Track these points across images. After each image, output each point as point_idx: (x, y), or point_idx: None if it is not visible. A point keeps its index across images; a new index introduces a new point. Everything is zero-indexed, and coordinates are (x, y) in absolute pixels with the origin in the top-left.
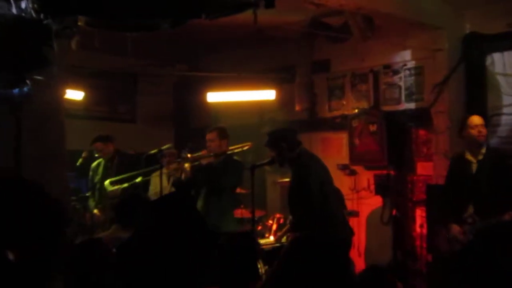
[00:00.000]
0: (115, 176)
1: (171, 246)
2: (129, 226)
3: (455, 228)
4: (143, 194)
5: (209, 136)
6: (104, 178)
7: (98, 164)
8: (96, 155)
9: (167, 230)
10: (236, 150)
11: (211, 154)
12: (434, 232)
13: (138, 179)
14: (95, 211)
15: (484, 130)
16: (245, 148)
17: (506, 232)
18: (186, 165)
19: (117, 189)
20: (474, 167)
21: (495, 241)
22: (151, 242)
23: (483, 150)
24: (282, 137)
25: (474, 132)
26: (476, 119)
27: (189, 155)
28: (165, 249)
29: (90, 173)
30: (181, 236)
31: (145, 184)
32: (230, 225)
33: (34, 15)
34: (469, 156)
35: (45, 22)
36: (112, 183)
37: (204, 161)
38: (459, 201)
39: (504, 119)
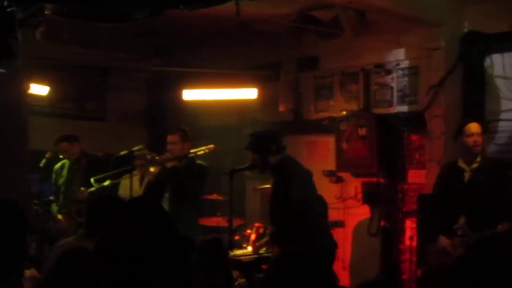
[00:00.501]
0: (82, 179)
1: (141, 253)
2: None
3: (444, 241)
4: (116, 197)
5: (170, 138)
6: (69, 181)
7: (62, 166)
8: (61, 156)
9: (136, 235)
10: (199, 153)
11: (175, 157)
12: (423, 245)
13: (107, 182)
14: (59, 216)
15: (480, 139)
16: (207, 150)
17: (500, 245)
18: (152, 168)
19: (84, 192)
20: (467, 175)
21: (490, 254)
22: (119, 249)
23: (478, 159)
24: (265, 140)
25: (469, 141)
26: (473, 127)
27: (157, 157)
28: (135, 256)
29: (53, 175)
30: (151, 242)
31: (115, 188)
32: (193, 233)
33: None
34: (462, 164)
35: (9, 10)
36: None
37: (169, 165)
38: (450, 212)
39: (502, 125)
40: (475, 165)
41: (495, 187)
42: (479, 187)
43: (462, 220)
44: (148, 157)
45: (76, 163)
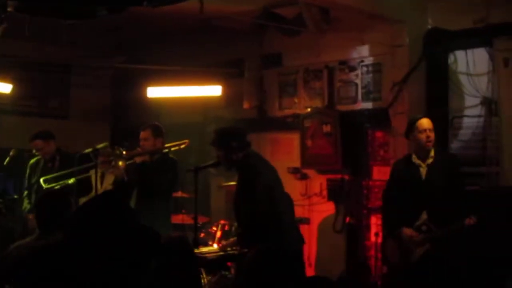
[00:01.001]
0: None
1: (105, 250)
2: (53, 232)
3: (407, 231)
4: (62, 191)
5: (143, 134)
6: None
7: (37, 162)
8: (36, 154)
9: (99, 233)
10: (172, 148)
11: (146, 152)
12: (383, 244)
13: (71, 180)
14: (30, 216)
15: (432, 135)
16: (183, 146)
17: (468, 238)
18: (120, 163)
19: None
20: (424, 171)
21: (456, 249)
22: (83, 247)
23: (432, 154)
24: (232, 135)
25: (422, 136)
26: (425, 123)
27: (124, 152)
28: (99, 253)
29: (28, 170)
30: (113, 236)
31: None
32: (164, 230)
33: None
34: (416, 160)
35: None
36: (46, 181)
37: (138, 160)
38: (409, 208)
39: (466, 121)
40: (430, 161)
41: (452, 182)
42: (437, 183)
43: (424, 216)
44: (117, 152)
45: (51, 161)
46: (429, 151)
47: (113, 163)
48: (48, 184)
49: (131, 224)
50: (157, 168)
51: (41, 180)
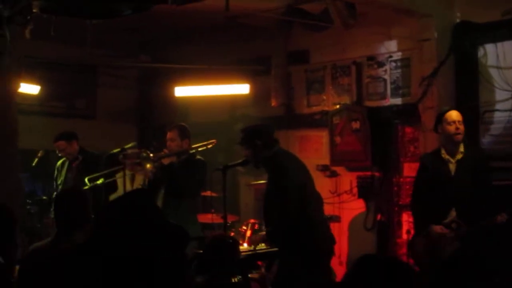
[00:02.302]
0: (76, 177)
1: (133, 247)
2: (72, 232)
3: (437, 228)
4: (80, 190)
5: (169, 135)
6: (66, 180)
7: (63, 163)
8: (59, 154)
9: (127, 231)
10: (200, 149)
11: (173, 153)
12: (411, 242)
13: (100, 181)
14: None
15: (462, 127)
16: (210, 146)
17: (501, 235)
18: (148, 165)
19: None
20: (453, 167)
21: (490, 244)
22: (111, 245)
23: (462, 149)
24: (257, 134)
25: (451, 128)
26: (454, 114)
27: (151, 155)
28: (127, 251)
29: (55, 172)
30: (142, 235)
31: (108, 186)
32: (192, 230)
33: None
34: (445, 155)
35: None
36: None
37: (166, 161)
38: (438, 205)
39: (497, 115)
40: (459, 156)
41: (481, 178)
42: (466, 180)
43: (453, 213)
44: (144, 154)
45: (74, 161)
46: (458, 146)
47: (139, 166)
48: (82, 185)
49: (158, 221)
50: (184, 169)
51: (86, 179)
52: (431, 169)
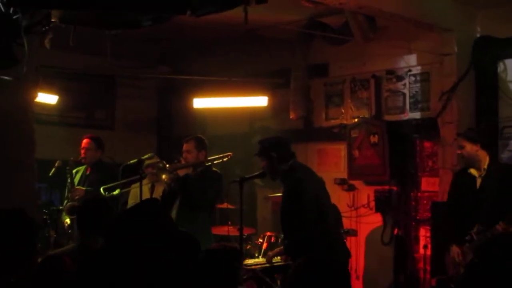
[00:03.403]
0: (88, 185)
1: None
2: (93, 236)
3: (454, 250)
4: (103, 199)
5: (185, 146)
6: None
7: (77, 171)
8: (82, 154)
9: (139, 238)
10: (216, 161)
11: (189, 165)
12: (440, 255)
13: (116, 192)
14: (67, 220)
15: (463, 152)
16: (225, 159)
17: (502, 244)
18: (163, 176)
19: (80, 191)
20: (478, 182)
21: (494, 255)
22: (123, 253)
23: (485, 166)
24: (273, 146)
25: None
26: (457, 141)
27: (167, 165)
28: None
29: (68, 180)
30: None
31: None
32: (205, 242)
33: (2, 9)
34: (473, 171)
35: (14, 17)
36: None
37: (181, 172)
38: (463, 220)
39: None
40: (484, 172)
41: (506, 192)
42: (491, 194)
43: (476, 227)
44: (160, 165)
45: (90, 169)
46: (479, 163)
47: (155, 177)
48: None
49: (170, 230)
50: (200, 181)
51: (101, 189)
52: (459, 184)
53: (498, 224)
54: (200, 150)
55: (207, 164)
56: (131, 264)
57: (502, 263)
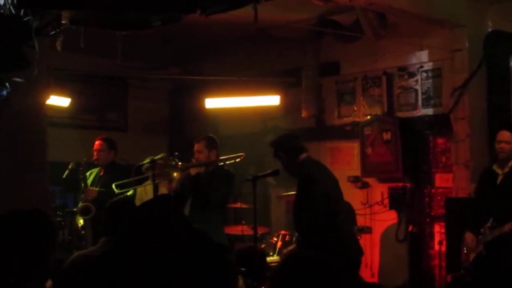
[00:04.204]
0: (102, 187)
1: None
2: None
3: (468, 236)
4: (130, 199)
5: (197, 146)
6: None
7: (91, 173)
8: (95, 155)
9: (152, 237)
10: (228, 162)
11: (201, 163)
12: (458, 251)
13: (130, 192)
14: (80, 221)
15: (506, 146)
16: (238, 159)
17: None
18: (175, 174)
19: (93, 191)
20: (500, 178)
21: (503, 252)
22: (135, 251)
23: (510, 163)
24: (283, 143)
25: (497, 146)
26: (501, 134)
27: (179, 163)
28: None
29: (81, 182)
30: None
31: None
32: (218, 241)
33: (13, 11)
34: (496, 168)
35: (25, 19)
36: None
37: (193, 171)
38: (481, 213)
39: None
40: (506, 169)
41: None
42: (508, 190)
43: (490, 221)
44: (172, 163)
45: (103, 170)
46: (507, 161)
47: (167, 175)
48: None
49: (183, 227)
50: (211, 180)
51: (113, 185)
52: (482, 180)
53: (507, 224)
54: (211, 150)
55: (219, 164)
56: (139, 264)
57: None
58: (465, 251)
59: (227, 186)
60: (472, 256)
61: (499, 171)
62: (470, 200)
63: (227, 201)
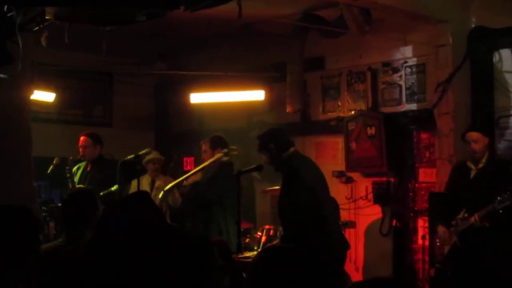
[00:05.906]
0: (89, 182)
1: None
2: (81, 232)
3: (440, 229)
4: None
5: (202, 147)
6: (80, 183)
7: (78, 168)
8: (80, 152)
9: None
10: (210, 160)
11: (187, 176)
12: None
13: (114, 188)
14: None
15: (476, 146)
16: (235, 152)
17: (475, 234)
18: (177, 194)
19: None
20: (473, 173)
21: (474, 243)
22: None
23: (484, 160)
24: (270, 137)
25: (469, 148)
26: (468, 136)
27: (185, 183)
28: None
29: (68, 176)
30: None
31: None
32: (230, 238)
33: None
34: (470, 164)
35: (9, 15)
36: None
37: (190, 181)
38: (454, 207)
39: None
40: (481, 165)
41: (497, 183)
42: (481, 184)
43: (462, 214)
44: (166, 189)
45: (90, 165)
46: (480, 158)
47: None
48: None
49: (158, 222)
50: (206, 184)
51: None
52: (455, 176)
53: (473, 216)
54: (214, 149)
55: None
56: (115, 260)
57: (479, 250)
58: (438, 244)
59: (224, 183)
60: (447, 248)
61: (472, 166)
62: (442, 194)
63: (227, 197)
